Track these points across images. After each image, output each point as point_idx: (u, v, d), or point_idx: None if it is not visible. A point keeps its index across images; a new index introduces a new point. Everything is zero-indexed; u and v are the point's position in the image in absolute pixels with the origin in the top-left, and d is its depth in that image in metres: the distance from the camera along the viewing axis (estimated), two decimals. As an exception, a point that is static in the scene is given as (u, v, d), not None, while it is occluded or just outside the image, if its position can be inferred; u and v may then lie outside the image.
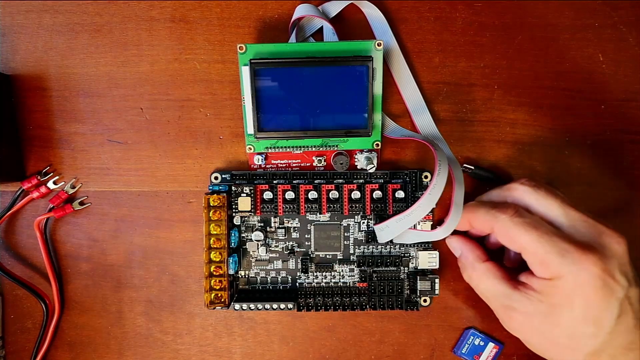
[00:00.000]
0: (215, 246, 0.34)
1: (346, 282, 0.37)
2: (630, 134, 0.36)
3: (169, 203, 0.37)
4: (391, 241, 0.35)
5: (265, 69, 0.32)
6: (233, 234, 0.35)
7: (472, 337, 0.37)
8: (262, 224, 0.36)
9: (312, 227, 0.36)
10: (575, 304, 0.28)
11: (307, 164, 0.36)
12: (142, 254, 0.37)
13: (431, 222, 0.36)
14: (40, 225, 0.36)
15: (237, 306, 0.35)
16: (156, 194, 0.37)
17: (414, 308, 0.36)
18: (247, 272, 0.37)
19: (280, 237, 0.36)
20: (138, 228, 0.37)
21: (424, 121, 0.36)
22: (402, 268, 0.36)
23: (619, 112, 0.36)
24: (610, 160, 0.36)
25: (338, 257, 0.37)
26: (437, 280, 0.35)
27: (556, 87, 0.36)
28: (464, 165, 0.36)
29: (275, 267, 0.37)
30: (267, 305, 0.34)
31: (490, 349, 0.37)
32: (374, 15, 0.35)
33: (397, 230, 0.33)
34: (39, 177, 0.36)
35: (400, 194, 0.35)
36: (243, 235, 0.36)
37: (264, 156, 0.36)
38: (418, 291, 0.35)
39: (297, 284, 0.37)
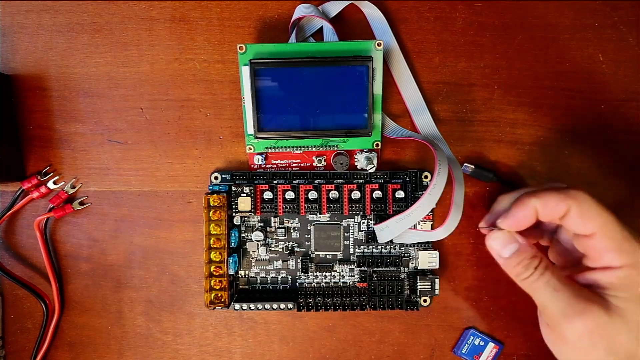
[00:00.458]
0: (215, 246, 0.34)
1: (346, 282, 0.37)
2: (630, 134, 0.36)
3: (169, 203, 0.37)
4: (391, 241, 0.35)
5: (265, 69, 0.32)
6: (233, 234, 0.35)
7: (472, 337, 0.37)
8: (262, 224, 0.36)
9: (312, 227, 0.36)
10: None
11: (307, 164, 0.36)
12: (142, 254, 0.37)
13: (431, 222, 0.36)
14: (40, 225, 0.36)
15: (237, 306, 0.35)
16: (156, 194, 0.37)
17: (414, 308, 0.36)
18: (247, 272, 0.37)
19: (280, 237, 0.36)
20: (138, 228, 0.37)
21: (424, 121, 0.36)
22: (402, 268, 0.36)
23: (619, 112, 0.36)
24: (610, 160, 0.36)
25: (338, 257, 0.37)
26: (437, 280, 0.35)
27: (556, 87, 0.36)
28: (465, 164, 0.36)
29: (275, 267, 0.37)
30: (267, 305, 0.34)
31: (490, 349, 0.37)
32: (374, 15, 0.35)
33: (397, 230, 0.33)
34: (39, 177, 0.36)
35: (400, 194, 0.35)
36: (243, 235, 0.36)
37: (264, 156, 0.36)
38: (418, 291, 0.35)
39: (297, 284, 0.37)
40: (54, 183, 0.36)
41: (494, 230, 0.31)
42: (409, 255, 0.36)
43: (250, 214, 0.36)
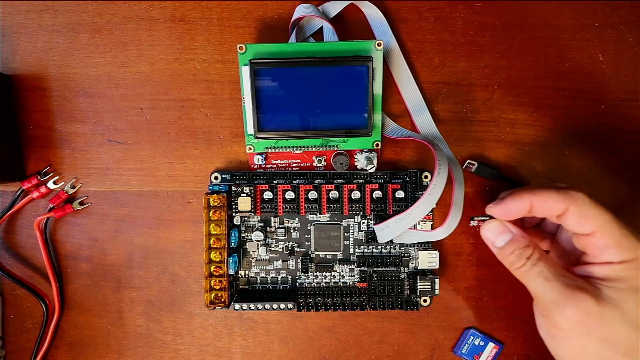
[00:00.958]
0: (215, 246, 0.34)
1: (346, 282, 0.37)
2: (630, 134, 0.36)
3: (169, 203, 0.37)
4: (391, 241, 0.35)
5: (265, 69, 0.32)
6: (233, 234, 0.35)
7: (472, 337, 0.37)
8: (262, 224, 0.36)
9: (312, 227, 0.36)
10: None
11: (307, 164, 0.36)
12: (142, 254, 0.37)
13: (431, 222, 0.36)
14: (40, 225, 0.36)
15: (237, 306, 0.35)
16: (156, 194, 0.37)
17: (414, 308, 0.36)
18: (247, 272, 0.37)
19: (280, 237, 0.36)
20: (138, 228, 0.37)
21: (424, 121, 0.36)
22: (402, 268, 0.36)
23: (619, 112, 0.36)
24: (610, 160, 0.36)
25: (338, 257, 0.37)
26: (437, 280, 0.35)
27: (556, 87, 0.36)
28: (468, 161, 0.36)
29: (275, 267, 0.37)
30: (267, 305, 0.34)
31: (490, 349, 0.37)
32: (374, 15, 0.35)
33: (397, 230, 0.33)
34: (39, 177, 0.36)
35: (400, 194, 0.35)
36: (243, 235, 0.36)
37: (264, 156, 0.36)
38: (418, 291, 0.35)
39: (297, 284, 0.37)
40: (54, 183, 0.36)
41: (488, 220, 0.32)
42: (409, 255, 0.36)
43: (250, 214, 0.36)
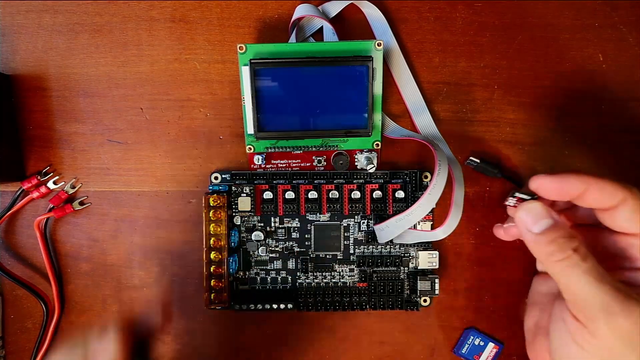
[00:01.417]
0: (215, 246, 0.34)
1: (346, 282, 0.37)
2: (630, 134, 0.36)
3: (169, 203, 0.37)
4: (391, 241, 0.35)
5: (265, 69, 0.32)
6: (233, 234, 0.35)
7: (472, 337, 0.37)
8: (262, 224, 0.36)
9: (312, 227, 0.36)
10: None
11: (307, 164, 0.36)
12: (142, 254, 0.37)
13: (431, 222, 0.36)
14: (40, 225, 0.36)
15: (237, 306, 0.35)
16: (156, 194, 0.37)
17: (414, 308, 0.36)
18: (247, 272, 0.37)
19: (280, 237, 0.36)
20: (138, 228, 0.37)
21: (424, 121, 0.36)
22: (402, 268, 0.36)
23: (619, 112, 0.36)
24: (610, 160, 0.36)
25: (338, 257, 0.37)
26: (437, 280, 0.35)
27: (556, 87, 0.36)
28: (470, 158, 0.36)
29: (275, 267, 0.37)
30: (267, 305, 0.34)
31: (490, 349, 0.37)
32: (374, 15, 0.35)
33: (397, 230, 0.33)
34: (39, 177, 0.36)
35: (400, 194, 0.35)
36: (243, 235, 0.36)
37: (264, 156, 0.36)
38: (418, 291, 0.35)
39: (297, 284, 0.37)
40: (54, 183, 0.36)
41: (528, 200, 0.27)
42: (409, 255, 0.36)
43: (250, 214, 0.36)
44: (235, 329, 0.38)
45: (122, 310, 0.37)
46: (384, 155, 0.37)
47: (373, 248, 0.37)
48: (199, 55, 0.36)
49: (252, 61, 0.32)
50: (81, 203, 0.37)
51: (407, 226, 0.33)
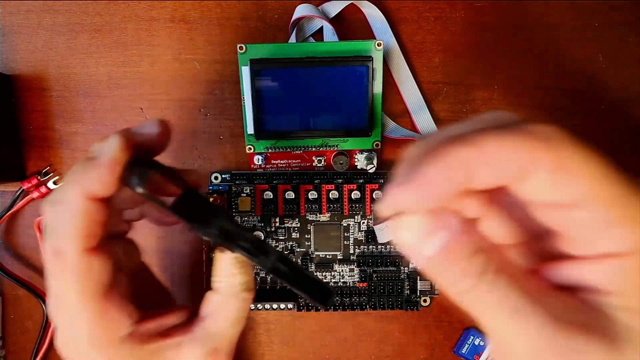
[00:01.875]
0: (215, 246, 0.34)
1: (346, 282, 0.37)
2: (630, 134, 0.36)
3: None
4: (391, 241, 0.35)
5: (265, 69, 0.32)
6: (233, 234, 0.35)
7: (472, 337, 0.37)
8: (262, 224, 0.36)
9: (312, 227, 0.36)
10: None
11: (307, 164, 0.36)
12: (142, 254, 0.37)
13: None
14: (40, 225, 0.36)
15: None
16: (156, 194, 0.37)
17: (414, 308, 0.36)
18: (247, 272, 0.37)
19: (280, 237, 0.36)
20: (138, 228, 0.37)
21: (424, 121, 0.36)
22: (402, 268, 0.36)
23: (619, 112, 0.36)
24: (610, 160, 0.36)
25: (338, 257, 0.37)
26: (437, 280, 0.35)
27: (556, 87, 0.36)
28: None
29: (275, 267, 0.37)
30: (267, 305, 0.34)
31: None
32: (374, 15, 0.35)
33: (397, 230, 0.33)
34: (39, 177, 0.36)
35: (400, 194, 0.35)
36: (243, 235, 0.36)
37: (264, 156, 0.36)
38: (418, 291, 0.35)
39: (297, 284, 0.37)
40: (54, 183, 0.36)
41: (404, 214, 0.17)
42: (409, 255, 0.36)
43: (250, 214, 0.36)
44: (235, 329, 0.38)
45: (122, 310, 0.37)
46: (384, 155, 0.37)
47: (373, 248, 0.37)
48: (199, 55, 0.36)
49: (252, 61, 0.32)
50: (81, 203, 0.37)
51: (407, 226, 0.33)
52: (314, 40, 0.36)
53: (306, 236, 0.37)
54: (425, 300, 0.37)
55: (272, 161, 0.36)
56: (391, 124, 0.36)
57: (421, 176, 0.16)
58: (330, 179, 0.36)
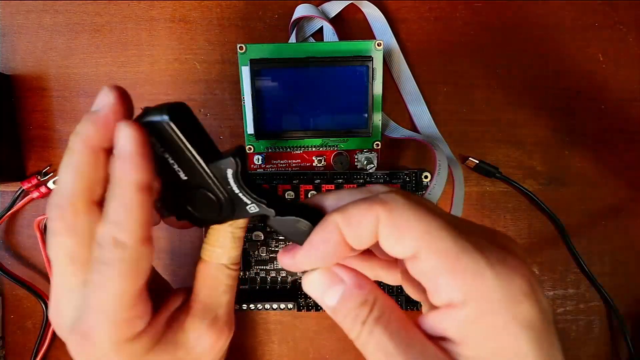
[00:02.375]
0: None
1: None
2: (630, 133, 0.36)
3: (169, 203, 0.37)
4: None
5: (265, 69, 0.32)
6: (233, 234, 0.35)
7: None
8: (262, 224, 0.36)
9: (312, 227, 0.36)
10: (520, 337, 0.17)
11: (307, 164, 0.36)
12: (142, 254, 0.37)
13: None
14: (40, 225, 0.36)
15: (237, 306, 0.35)
16: (156, 194, 0.37)
17: (414, 308, 0.36)
18: (247, 271, 0.37)
19: (280, 237, 0.36)
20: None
21: (424, 121, 0.36)
22: (402, 268, 0.36)
23: (619, 112, 0.36)
24: (610, 160, 0.36)
25: (338, 257, 0.37)
26: (437, 280, 0.35)
27: (556, 87, 0.36)
28: (470, 158, 0.36)
29: (275, 267, 0.37)
30: (267, 305, 0.34)
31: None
32: (374, 15, 0.35)
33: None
34: (39, 177, 0.36)
35: (400, 194, 0.35)
36: (243, 235, 0.36)
37: (263, 156, 0.36)
38: (418, 291, 0.35)
39: (297, 284, 0.37)
40: (54, 183, 0.36)
41: (309, 272, 0.21)
42: (409, 255, 0.36)
43: (250, 214, 0.36)
44: (235, 328, 0.37)
45: (122, 310, 0.37)
46: (384, 155, 0.37)
47: (373, 248, 0.36)
48: (199, 55, 0.36)
49: (252, 61, 0.32)
50: (81, 203, 0.37)
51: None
52: (314, 40, 0.36)
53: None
54: (425, 300, 0.36)
55: (272, 161, 0.36)
56: (391, 124, 0.36)
57: (310, 244, 0.20)
58: (330, 179, 0.36)
